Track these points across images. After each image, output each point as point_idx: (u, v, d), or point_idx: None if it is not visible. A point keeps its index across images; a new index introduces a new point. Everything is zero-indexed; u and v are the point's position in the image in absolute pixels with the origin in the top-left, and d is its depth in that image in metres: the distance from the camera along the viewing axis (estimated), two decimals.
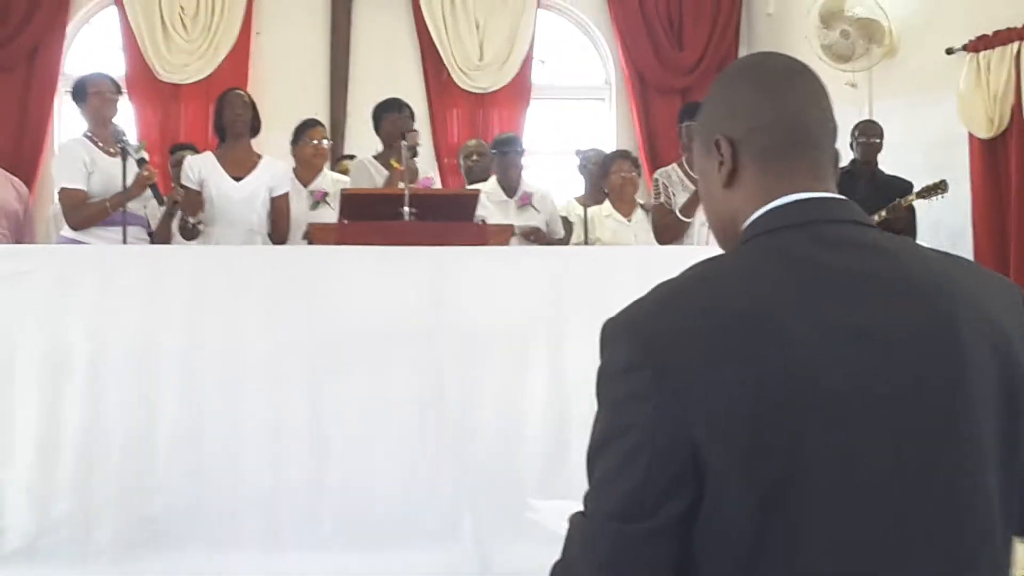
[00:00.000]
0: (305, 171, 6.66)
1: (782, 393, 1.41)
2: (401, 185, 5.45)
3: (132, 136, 5.95)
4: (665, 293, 1.53)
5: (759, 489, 1.41)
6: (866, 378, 1.43)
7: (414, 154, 6.45)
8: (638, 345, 1.47)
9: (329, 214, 6.55)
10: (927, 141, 7.81)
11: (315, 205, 6.63)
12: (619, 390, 1.49)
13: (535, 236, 6.74)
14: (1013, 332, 1.52)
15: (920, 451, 1.43)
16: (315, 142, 6.83)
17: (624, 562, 1.46)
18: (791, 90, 1.63)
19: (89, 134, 5.89)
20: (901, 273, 1.51)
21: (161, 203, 5.86)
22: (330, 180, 6.91)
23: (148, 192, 5.80)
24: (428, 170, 7.00)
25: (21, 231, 6.70)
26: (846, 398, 1.42)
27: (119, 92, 6.08)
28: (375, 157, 6.77)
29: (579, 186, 7.48)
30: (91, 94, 5.89)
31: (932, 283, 1.51)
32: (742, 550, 1.43)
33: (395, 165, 6.27)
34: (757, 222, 1.58)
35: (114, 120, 5.98)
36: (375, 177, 6.61)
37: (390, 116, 6.76)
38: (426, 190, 6.13)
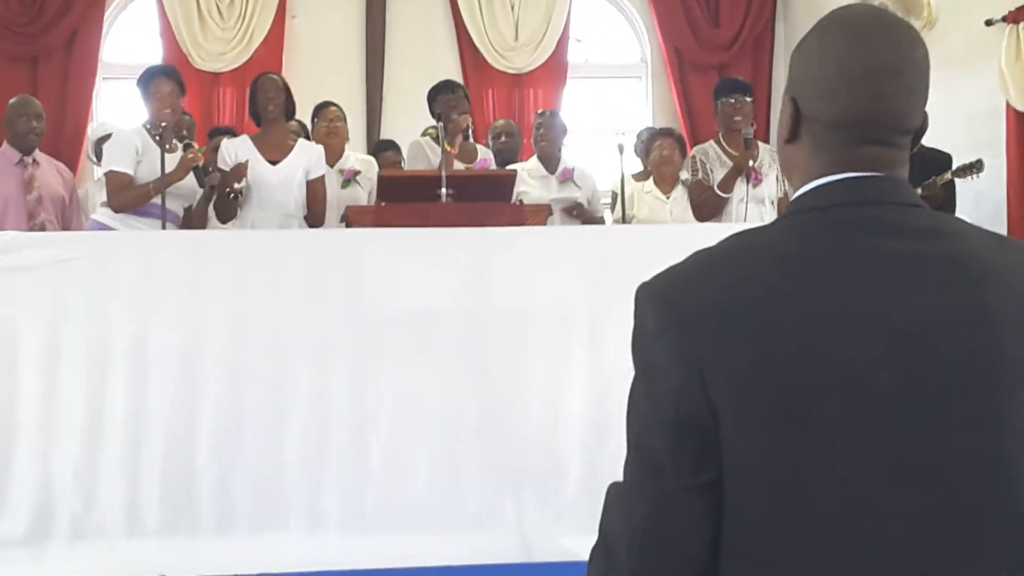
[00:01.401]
0: (325, 151, 6.66)
1: (803, 369, 1.40)
2: (456, 165, 5.42)
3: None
4: (698, 262, 1.53)
5: (777, 463, 1.41)
6: (895, 360, 1.41)
7: (466, 137, 6.44)
8: (666, 312, 1.48)
9: (360, 193, 6.56)
10: (968, 113, 7.72)
11: (345, 184, 6.63)
12: (648, 354, 1.50)
13: (577, 211, 6.73)
14: None
15: (946, 436, 1.41)
16: (326, 123, 6.87)
17: (660, 522, 1.47)
18: (864, 54, 1.52)
19: (147, 126, 5.90)
20: (944, 256, 1.48)
21: (204, 185, 5.88)
22: (354, 159, 6.93)
23: (187, 190, 5.84)
24: (484, 152, 6.99)
25: (68, 218, 6.75)
26: (871, 379, 1.40)
27: (183, 95, 6.08)
28: (432, 138, 6.76)
29: (634, 165, 7.48)
30: (153, 95, 5.89)
31: (976, 268, 1.48)
32: (761, 525, 1.43)
33: (448, 148, 6.27)
34: (802, 198, 1.57)
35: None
36: (431, 157, 6.61)
37: (444, 96, 6.75)
38: (462, 171, 6.12)
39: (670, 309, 1.48)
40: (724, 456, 1.44)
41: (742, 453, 1.43)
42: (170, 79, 6.00)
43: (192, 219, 6.19)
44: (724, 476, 1.45)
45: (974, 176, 6.58)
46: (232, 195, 5.88)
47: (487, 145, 7.45)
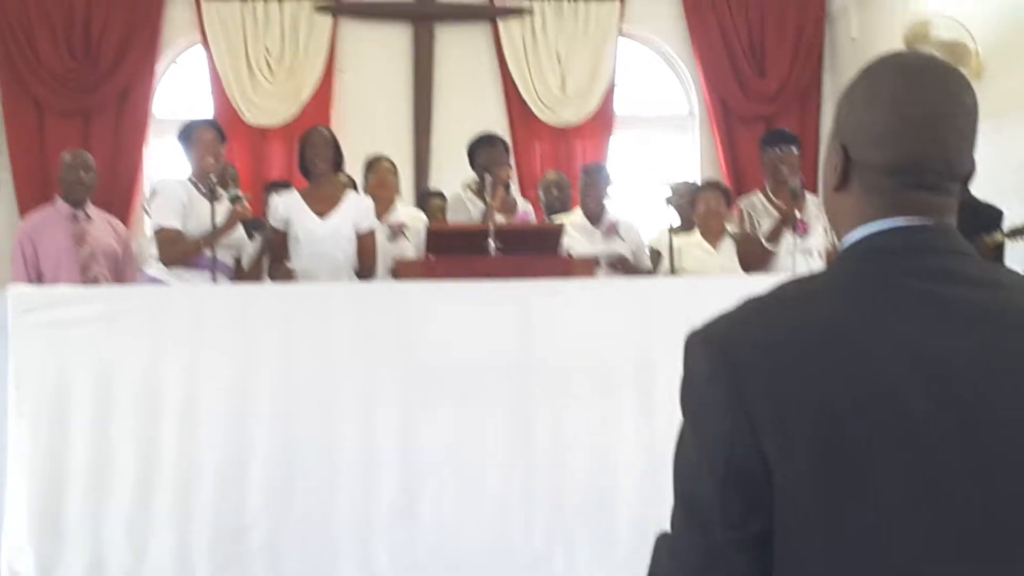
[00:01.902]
0: (374, 204, 6.71)
1: (856, 417, 1.39)
2: (496, 218, 5.46)
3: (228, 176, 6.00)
4: (749, 309, 1.52)
5: (829, 513, 1.39)
6: (951, 409, 1.39)
7: (507, 189, 6.48)
8: (716, 358, 1.47)
9: (407, 247, 6.60)
10: (1017, 163, 7.68)
11: (392, 237, 6.68)
12: (698, 402, 1.50)
13: (622, 265, 6.73)
14: None
15: (1004, 489, 1.39)
16: (378, 176, 6.99)
17: (712, 574, 1.45)
18: (915, 100, 1.53)
19: (193, 179, 5.97)
20: (999, 305, 1.47)
21: (252, 239, 5.94)
22: (403, 213, 6.99)
23: (237, 240, 5.91)
24: (524, 204, 7.02)
25: (121, 271, 6.83)
26: (926, 428, 1.39)
27: (224, 142, 6.16)
28: (473, 192, 6.80)
29: (672, 218, 7.45)
30: (195, 143, 5.98)
31: None
32: (815, 571, 1.41)
33: (489, 202, 6.30)
34: (852, 246, 1.56)
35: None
36: (471, 210, 6.64)
37: (483, 150, 6.79)
38: (511, 225, 6.15)
39: (720, 356, 1.47)
40: (775, 506, 1.43)
41: (793, 503, 1.41)
42: (210, 128, 6.10)
43: (248, 273, 6.26)
44: (775, 526, 1.44)
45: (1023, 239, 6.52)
46: (285, 270, 5.97)
47: (537, 197, 7.48)
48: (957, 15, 8.32)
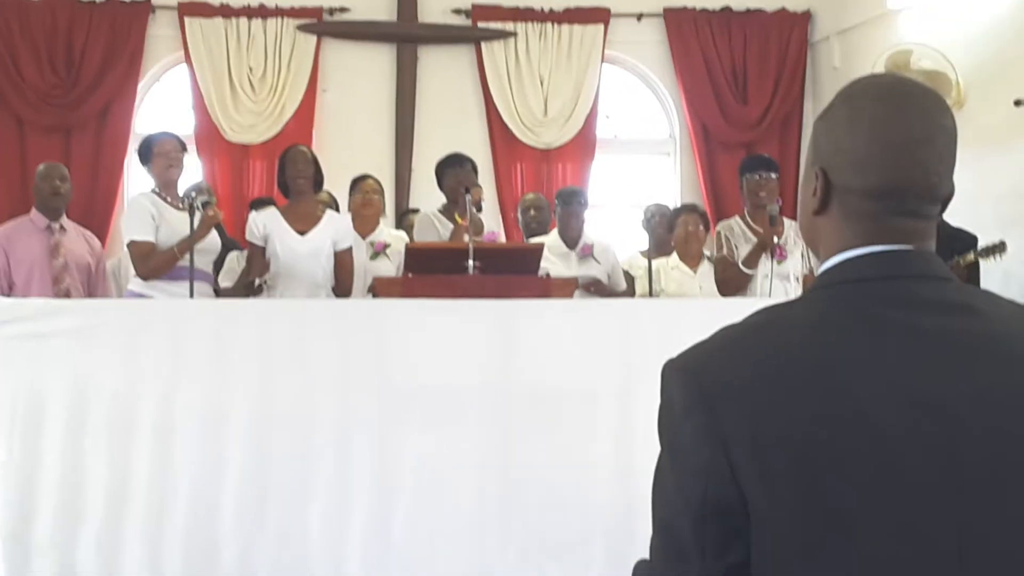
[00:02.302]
0: (358, 223, 6.71)
1: (832, 447, 1.38)
2: (466, 238, 5.46)
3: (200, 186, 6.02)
4: (725, 338, 1.52)
5: (806, 543, 1.38)
6: (925, 439, 1.38)
7: (479, 209, 6.48)
8: (692, 390, 1.46)
9: (387, 266, 6.60)
10: (996, 193, 7.72)
11: (375, 256, 6.68)
12: (675, 433, 1.49)
13: (596, 288, 6.72)
14: None
15: (976, 516, 1.38)
16: (362, 194, 6.99)
17: None
18: (895, 125, 1.52)
19: (158, 191, 6.00)
20: (978, 333, 1.46)
21: (226, 244, 5.94)
22: (387, 234, 6.98)
23: (212, 245, 5.89)
24: (493, 225, 7.03)
25: (94, 285, 6.81)
26: (901, 457, 1.38)
27: (184, 151, 6.19)
28: (440, 211, 6.81)
29: (643, 240, 7.44)
30: (156, 155, 6.02)
31: (1009, 346, 1.46)
32: None
33: (459, 220, 6.30)
34: (831, 271, 1.55)
35: (181, 179, 6.12)
36: (440, 230, 6.64)
37: (452, 171, 6.82)
38: (491, 244, 6.15)
39: (696, 387, 1.46)
40: (753, 537, 1.42)
41: (770, 534, 1.40)
42: (170, 138, 6.13)
43: (232, 292, 6.27)
44: (752, 557, 1.42)
45: (998, 257, 6.56)
46: (258, 286, 5.96)
47: (516, 218, 7.48)
48: (939, 45, 8.37)
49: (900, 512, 1.37)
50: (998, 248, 6.56)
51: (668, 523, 1.47)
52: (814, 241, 1.64)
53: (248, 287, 6.13)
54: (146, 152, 6.08)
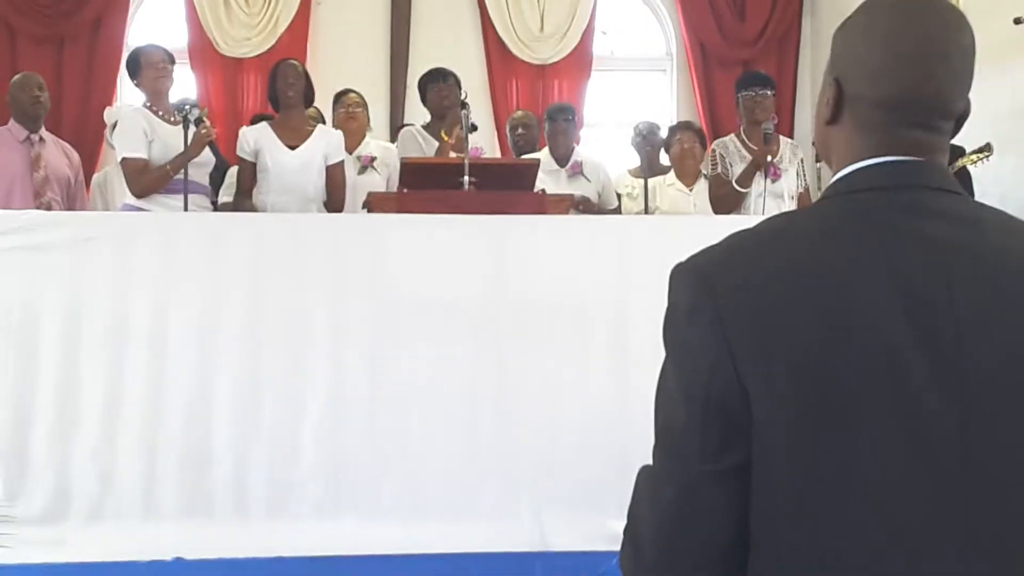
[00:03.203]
0: (344, 137, 6.65)
1: (836, 351, 1.39)
2: (456, 155, 5.44)
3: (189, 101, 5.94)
4: (734, 243, 1.51)
5: (808, 445, 1.39)
6: (930, 346, 1.39)
7: (473, 127, 6.46)
8: (701, 292, 1.47)
9: (376, 180, 6.58)
10: (995, 113, 7.67)
11: (363, 170, 6.64)
12: (680, 333, 1.49)
13: (584, 206, 6.68)
14: None
15: (979, 422, 1.39)
16: (345, 108, 6.92)
17: (687, 507, 1.45)
18: (911, 36, 1.51)
19: (148, 104, 5.95)
20: (981, 243, 1.47)
21: (220, 162, 5.90)
22: (375, 146, 6.95)
23: (207, 159, 5.85)
24: (484, 142, 6.99)
25: (72, 197, 6.76)
26: (905, 363, 1.38)
27: (173, 63, 6.14)
28: (424, 127, 6.77)
29: (633, 159, 7.40)
30: (144, 67, 5.97)
31: (1017, 255, 1.47)
32: (792, 510, 1.41)
33: (444, 137, 6.27)
34: (841, 180, 1.55)
35: (172, 91, 6.08)
36: (423, 147, 6.62)
37: (435, 86, 6.78)
38: (486, 160, 6.13)
39: (704, 288, 1.46)
40: (754, 439, 1.42)
41: (773, 435, 1.41)
42: (158, 49, 6.09)
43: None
44: (753, 459, 1.43)
45: (985, 159, 6.55)
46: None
47: (506, 135, 7.44)
48: None
49: (902, 413, 1.38)
50: (984, 150, 6.57)
51: (669, 425, 1.48)
52: (827, 152, 1.64)
53: (240, 204, 6.10)
54: (134, 65, 6.03)
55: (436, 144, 6.50)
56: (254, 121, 7.51)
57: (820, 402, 1.38)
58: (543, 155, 6.88)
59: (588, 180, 6.85)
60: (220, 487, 4.63)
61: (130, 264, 4.70)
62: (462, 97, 6.35)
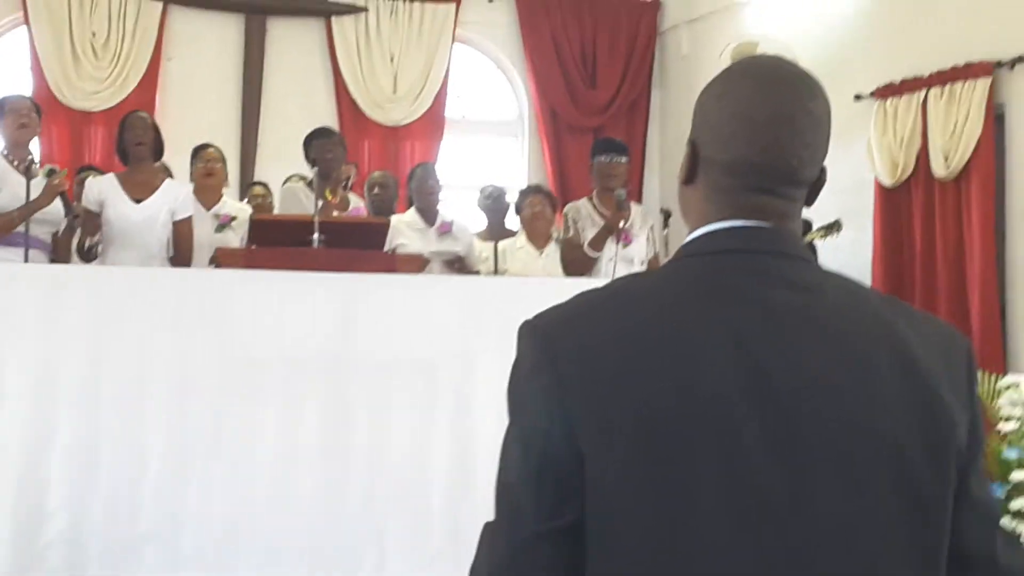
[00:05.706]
0: (201, 193, 6.55)
1: (674, 414, 1.39)
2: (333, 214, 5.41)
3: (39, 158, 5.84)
4: (582, 303, 1.52)
5: (642, 508, 1.39)
6: (767, 412, 1.40)
7: (346, 186, 6.42)
8: (543, 351, 1.46)
9: (232, 239, 6.49)
10: (838, 187, 7.80)
11: (220, 228, 6.55)
12: (523, 392, 1.49)
13: (458, 265, 6.68)
14: (940, 380, 1.48)
15: (814, 487, 1.41)
16: (204, 163, 6.82)
17: (523, 564, 1.44)
18: (760, 103, 1.53)
19: (5, 152, 5.80)
20: (823, 310, 1.48)
21: (70, 212, 5.77)
22: (231, 206, 6.86)
23: (54, 215, 5.72)
24: (356, 201, 6.97)
25: None
26: (741, 429, 1.39)
27: (39, 114, 6.01)
28: (307, 184, 6.72)
29: (481, 222, 7.43)
30: (7, 113, 5.82)
31: (857, 324, 1.49)
32: (625, 568, 1.41)
33: (328, 197, 6.22)
34: (691, 243, 1.56)
35: (32, 143, 5.95)
36: (305, 203, 6.55)
37: (320, 142, 6.72)
38: (336, 218, 6.09)
39: (545, 347, 1.46)
40: (589, 500, 1.42)
41: (609, 497, 1.41)
42: (23, 99, 5.97)
43: (57, 248, 6.06)
44: (588, 518, 1.42)
45: (834, 235, 6.75)
46: (88, 248, 5.81)
47: (362, 196, 7.42)
48: (784, 37, 8.53)
49: (736, 478, 1.38)
50: (833, 227, 6.76)
51: (506, 480, 1.48)
52: (684, 212, 1.65)
53: (80, 250, 5.97)
54: None
55: (317, 202, 6.44)
56: (79, 172, 7.39)
57: (657, 464, 1.39)
58: (410, 214, 6.85)
59: (457, 239, 6.83)
60: (53, 547, 4.49)
61: None
62: (344, 157, 6.35)
